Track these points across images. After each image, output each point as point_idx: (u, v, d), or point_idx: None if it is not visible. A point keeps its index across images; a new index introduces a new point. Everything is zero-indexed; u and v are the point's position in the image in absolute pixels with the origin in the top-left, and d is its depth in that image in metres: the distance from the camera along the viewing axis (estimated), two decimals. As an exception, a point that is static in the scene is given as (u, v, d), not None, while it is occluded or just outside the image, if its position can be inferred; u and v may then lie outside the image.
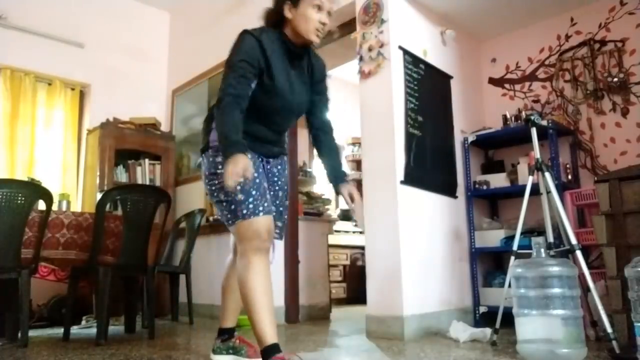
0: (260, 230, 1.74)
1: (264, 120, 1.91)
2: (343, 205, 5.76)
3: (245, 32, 1.90)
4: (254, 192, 1.76)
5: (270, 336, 1.67)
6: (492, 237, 3.38)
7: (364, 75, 3.22)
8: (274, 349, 1.65)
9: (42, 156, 4.34)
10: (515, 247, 2.58)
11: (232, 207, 1.76)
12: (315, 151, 1.98)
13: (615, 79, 3.30)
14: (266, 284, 1.72)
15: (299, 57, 1.96)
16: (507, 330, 2.62)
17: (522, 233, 2.67)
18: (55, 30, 4.52)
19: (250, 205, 1.74)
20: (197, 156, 4.81)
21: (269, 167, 2.00)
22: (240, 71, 1.79)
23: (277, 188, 2.04)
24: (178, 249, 4.10)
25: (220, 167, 1.77)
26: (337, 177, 2.00)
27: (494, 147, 3.82)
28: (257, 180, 1.80)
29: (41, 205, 2.73)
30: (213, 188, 1.83)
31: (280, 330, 3.32)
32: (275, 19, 1.93)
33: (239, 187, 1.72)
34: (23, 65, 4.33)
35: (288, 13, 1.86)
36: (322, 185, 5.24)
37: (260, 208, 1.76)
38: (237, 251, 1.81)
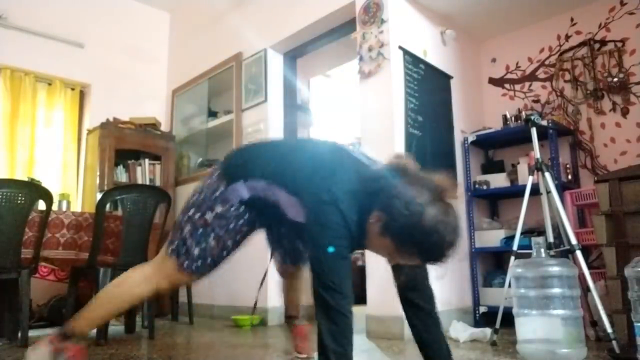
0: (179, 283, 1.73)
1: None
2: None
3: (332, 201, 1.36)
4: (217, 247, 1.58)
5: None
6: (492, 237, 3.38)
7: (364, 75, 3.22)
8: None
9: (42, 156, 4.33)
10: (515, 247, 2.58)
11: (188, 246, 1.58)
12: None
13: (615, 79, 3.30)
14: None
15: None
16: (507, 330, 2.62)
17: (522, 233, 2.67)
18: (55, 30, 4.52)
19: (199, 260, 1.58)
20: (197, 156, 4.86)
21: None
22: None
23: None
24: (178, 249, 4.10)
25: (225, 206, 1.56)
26: None
27: (494, 147, 3.82)
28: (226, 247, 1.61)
29: (41, 205, 2.73)
30: (198, 212, 1.58)
31: (280, 330, 3.33)
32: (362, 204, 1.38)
33: (218, 243, 1.56)
34: (23, 65, 4.33)
35: (372, 223, 1.36)
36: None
37: (200, 272, 1.61)
38: (155, 263, 1.68)
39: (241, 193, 1.54)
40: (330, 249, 1.32)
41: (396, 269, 1.56)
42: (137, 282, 1.68)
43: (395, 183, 1.33)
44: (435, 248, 1.30)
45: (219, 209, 1.55)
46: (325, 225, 1.34)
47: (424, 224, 1.27)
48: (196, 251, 1.57)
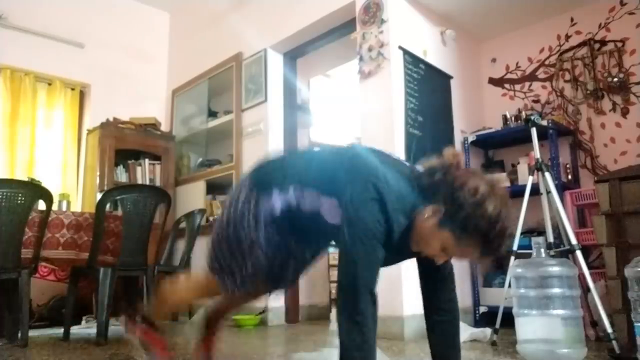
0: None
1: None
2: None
3: (374, 190, 1.32)
4: (251, 262, 1.51)
5: None
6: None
7: (364, 75, 3.22)
8: None
9: (42, 156, 4.33)
10: (515, 247, 2.58)
11: (226, 257, 1.53)
12: None
13: (615, 79, 3.30)
14: None
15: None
16: (507, 330, 2.62)
17: (522, 233, 2.67)
18: (55, 30, 4.52)
19: (237, 276, 1.52)
20: (197, 156, 4.86)
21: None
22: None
23: None
24: (178, 249, 4.10)
25: (255, 221, 1.48)
26: None
27: (494, 147, 3.82)
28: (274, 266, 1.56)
29: (41, 205, 2.73)
30: (229, 226, 1.51)
31: (280, 330, 3.33)
32: (426, 195, 1.34)
33: (256, 264, 1.50)
34: (23, 65, 4.33)
35: (428, 215, 1.31)
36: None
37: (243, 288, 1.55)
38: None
39: (273, 203, 1.47)
40: (363, 246, 1.28)
41: (424, 274, 1.54)
42: (185, 286, 1.78)
43: (455, 174, 1.31)
44: (499, 237, 1.28)
45: (251, 223, 1.48)
46: (365, 215, 1.29)
47: (489, 213, 1.25)
48: (235, 267, 1.51)
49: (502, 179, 3.47)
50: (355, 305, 1.28)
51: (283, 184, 1.47)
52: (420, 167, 1.43)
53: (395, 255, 1.44)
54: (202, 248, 4.11)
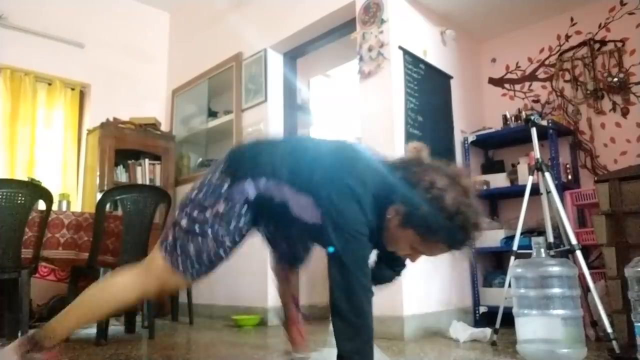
0: (170, 286, 1.63)
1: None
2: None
3: (352, 191, 1.33)
4: (214, 246, 1.51)
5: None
6: (492, 237, 3.37)
7: (364, 75, 3.22)
8: None
9: (42, 156, 4.33)
10: (515, 247, 2.58)
11: (183, 244, 1.51)
12: None
13: (615, 79, 3.30)
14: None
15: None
16: (507, 330, 2.62)
17: (522, 233, 2.66)
18: (55, 30, 4.52)
19: (194, 260, 1.51)
20: (197, 156, 4.86)
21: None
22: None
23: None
24: (178, 249, 4.10)
25: (228, 205, 1.49)
26: None
27: (494, 147, 3.82)
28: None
29: (41, 205, 2.73)
30: (196, 209, 1.51)
31: (280, 330, 3.32)
32: (378, 200, 1.36)
33: (216, 243, 1.50)
34: (23, 65, 4.33)
35: (392, 215, 1.35)
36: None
37: (195, 275, 1.55)
38: (145, 265, 1.60)
39: (247, 192, 1.47)
40: (351, 244, 1.28)
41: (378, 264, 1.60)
42: (123, 286, 1.58)
43: (412, 173, 1.32)
44: (461, 230, 1.28)
45: (220, 207, 1.48)
46: (349, 215, 1.30)
47: (447, 207, 1.26)
48: (192, 250, 1.49)
49: (500, 178, 3.48)
50: (353, 306, 1.25)
51: (254, 173, 1.47)
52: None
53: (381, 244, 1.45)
54: (202, 248, 4.13)
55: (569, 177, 3.29)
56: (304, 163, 1.46)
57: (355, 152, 1.47)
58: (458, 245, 1.33)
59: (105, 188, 3.95)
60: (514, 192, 3.41)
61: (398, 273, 1.69)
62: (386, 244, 1.40)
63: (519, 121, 3.40)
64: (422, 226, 1.29)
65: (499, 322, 2.58)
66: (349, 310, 1.25)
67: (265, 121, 3.97)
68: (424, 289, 2.97)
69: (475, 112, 3.87)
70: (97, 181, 4.16)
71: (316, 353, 2.39)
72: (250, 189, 1.47)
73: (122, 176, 4.40)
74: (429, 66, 3.40)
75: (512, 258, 2.52)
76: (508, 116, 3.51)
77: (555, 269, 2.07)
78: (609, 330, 2.21)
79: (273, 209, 1.49)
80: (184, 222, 1.52)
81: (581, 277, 2.31)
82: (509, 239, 3.19)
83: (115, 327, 3.36)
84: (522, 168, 3.31)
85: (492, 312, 2.97)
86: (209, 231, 1.48)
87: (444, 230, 1.28)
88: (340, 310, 1.26)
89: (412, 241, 1.33)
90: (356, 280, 1.26)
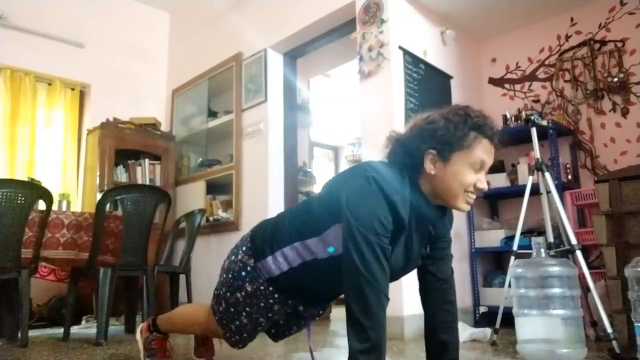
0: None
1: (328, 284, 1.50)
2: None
3: (373, 182, 1.30)
4: (250, 324, 1.59)
5: None
6: (492, 237, 3.38)
7: (364, 75, 3.22)
8: None
9: (42, 156, 4.33)
10: (515, 247, 2.58)
11: (226, 321, 1.61)
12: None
13: (615, 79, 3.30)
14: None
15: (430, 221, 1.44)
16: (507, 330, 2.62)
17: (522, 233, 2.67)
18: (55, 30, 4.52)
19: (237, 333, 1.62)
20: (197, 156, 4.86)
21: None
22: (380, 253, 1.26)
23: None
24: (178, 249, 4.10)
25: (254, 285, 1.51)
26: None
27: (494, 147, 3.81)
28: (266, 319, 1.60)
29: (41, 205, 2.73)
30: (228, 288, 1.57)
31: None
32: (409, 163, 1.39)
33: (251, 321, 1.58)
34: (23, 65, 4.33)
35: (430, 166, 1.35)
36: (321, 185, 5.23)
37: (240, 345, 1.68)
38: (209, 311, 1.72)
39: (270, 270, 1.48)
40: (367, 246, 1.24)
41: (425, 285, 1.58)
42: (196, 321, 1.82)
43: (406, 129, 1.49)
44: (479, 116, 1.44)
45: (248, 288, 1.51)
46: (363, 212, 1.26)
47: (451, 109, 1.45)
48: (232, 327, 1.61)
49: (500, 178, 3.48)
50: (363, 307, 1.23)
51: (276, 248, 1.47)
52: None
53: (403, 258, 1.41)
54: (202, 248, 4.13)
55: (569, 177, 3.29)
56: (316, 205, 1.45)
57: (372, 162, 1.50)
58: (488, 130, 1.43)
59: (105, 188, 3.95)
60: (514, 192, 3.41)
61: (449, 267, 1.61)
62: (446, 196, 1.37)
63: (519, 121, 3.40)
64: (454, 136, 1.36)
65: (499, 322, 2.58)
66: (359, 311, 1.23)
67: (265, 121, 3.97)
68: (424, 289, 2.97)
69: (475, 112, 3.87)
70: (97, 181, 4.16)
71: (316, 353, 2.39)
72: (271, 266, 1.48)
73: (122, 176, 4.40)
74: (429, 66, 3.40)
75: (512, 258, 2.52)
76: (508, 116, 3.51)
77: (555, 269, 2.07)
78: (609, 330, 2.21)
79: (310, 273, 1.45)
80: (221, 303, 1.60)
81: (581, 277, 2.32)
82: (509, 239, 3.19)
83: (115, 327, 3.36)
84: (522, 168, 3.31)
85: (492, 312, 2.97)
86: (242, 312, 1.56)
87: (469, 122, 1.39)
88: (351, 311, 1.25)
89: (461, 164, 1.35)
90: (366, 281, 1.23)
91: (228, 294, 1.56)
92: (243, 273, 1.52)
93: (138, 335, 1.99)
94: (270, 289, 1.50)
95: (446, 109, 1.46)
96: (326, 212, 1.38)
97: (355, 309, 1.24)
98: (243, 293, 1.52)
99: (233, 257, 1.58)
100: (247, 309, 1.54)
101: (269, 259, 1.47)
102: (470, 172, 1.36)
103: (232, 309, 1.56)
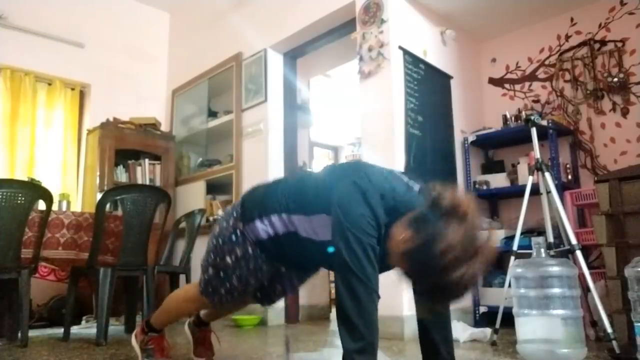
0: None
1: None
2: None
3: (359, 187, 1.33)
4: (241, 285, 1.65)
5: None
6: (492, 237, 3.37)
7: (364, 75, 3.22)
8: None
9: (42, 156, 4.33)
10: (515, 247, 2.58)
11: (214, 286, 1.67)
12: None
13: (615, 79, 3.30)
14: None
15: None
16: (507, 330, 2.62)
17: (522, 233, 2.66)
18: (55, 30, 4.52)
19: (227, 296, 1.68)
20: (197, 156, 4.86)
21: None
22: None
23: None
24: (178, 249, 4.10)
25: (244, 248, 1.59)
26: None
27: (494, 147, 3.82)
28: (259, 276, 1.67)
29: (41, 205, 2.73)
30: (218, 254, 1.64)
31: (280, 330, 3.33)
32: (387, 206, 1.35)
33: (241, 282, 1.64)
34: (23, 65, 4.33)
35: (394, 232, 1.33)
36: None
37: (231, 302, 1.73)
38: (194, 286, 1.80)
39: (258, 233, 1.55)
40: (357, 245, 1.25)
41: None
42: (185, 298, 1.87)
43: (447, 220, 1.19)
44: (452, 294, 1.23)
45: (238, 251, 1.59)
46: (353, 213, 1.28)
47: (452, 278, 1.15)
48: (222, 290, 1.66)
49: (500, 178, 3.48)
50: (355, 306, 1.24)
51: (264, 214, 1.54)
52: (420, 184, 1.44)
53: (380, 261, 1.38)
54: (202, 248, 4.12)
55: (569, 177, 3.29)
56: (310, 187, 1.51)
57: (364, 163, 1.51)
58: (440, 300, 1.33)
59: (105, 188, 3.95)
60: (514, 192, 3.41)
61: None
62: (386, 247, 1.34)
63: (519, 121, 3.40)
64: (420, 273, 1.24)
65: (499, 322, 2.58)
66: (351, 310, 1.24)
67: (265, 121, 3.97)
68: (424, 289, 2.97)
69: (475, 112, 3.87)
70: (97, 181, 4.16)
71: (316, 353, 2.39)
72: (259, 230, 1.55)
73: (122, 176, 4.40)
74: (429, 66, 3.40)
75: (512, 258, 2.52)
76: (508, 116, 3.51)
77: (555, 269, 2.07)
78: (609, 330, 2.21)
79: (291, 244, 1.52)
80: (209, 269, 1.67)
81: (581, 277, 2.31)
82: (509, 239, 3.19)
83: (115, 327, 3.36)
84: (522, 168, 3.31)
85: (492, 312, 2.97)
86: (232, 274, 1.62)
87: (436, 288, 1.22)
88: (343, 310, 1.25)
89: (404, 268, 1.30)
90: (358, 280, 1.25)
91: (218, 259, 1.63)
92: (233, 237, 1.60)
93: (133, 341, 1.97)
94: (258, 251, 1.58)
95: (472, 260, 1.18)
96: (317, 200, 1.44)
97: (348, 308, 1.24)
98: (233, 257, 1.60)
99: (224, 224, 1.65)
100: (237, 271, 1.61)
101: (257, 222, 1.55)
102: (400, 266, 1.33)
103: (221, 274, 1.63)
